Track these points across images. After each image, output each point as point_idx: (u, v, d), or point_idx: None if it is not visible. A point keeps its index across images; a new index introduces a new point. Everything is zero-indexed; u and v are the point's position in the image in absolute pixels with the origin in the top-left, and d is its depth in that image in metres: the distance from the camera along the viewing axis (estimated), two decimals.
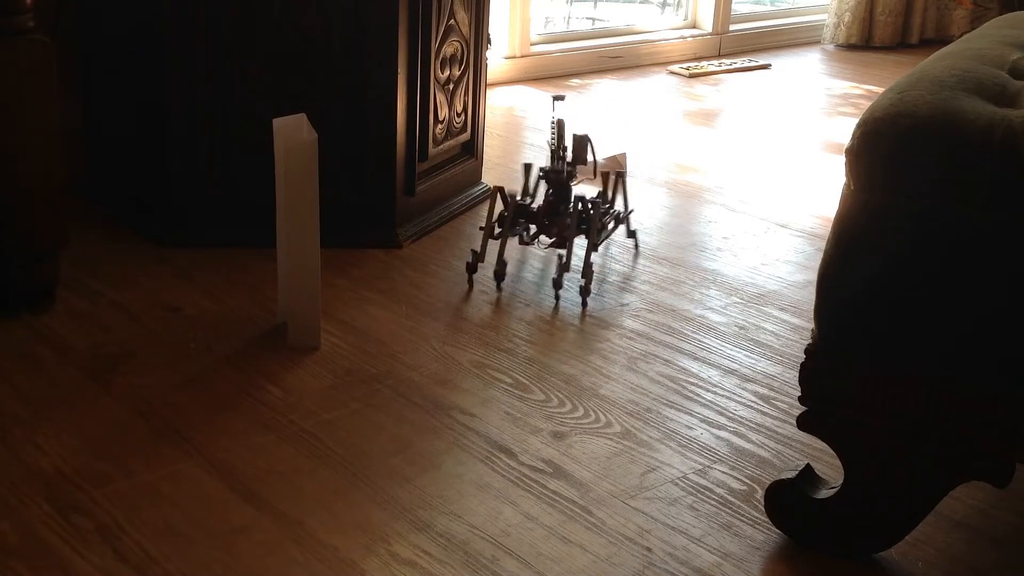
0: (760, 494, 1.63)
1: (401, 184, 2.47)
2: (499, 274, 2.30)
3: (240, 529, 1.51)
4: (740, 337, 2.15)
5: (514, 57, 4.01)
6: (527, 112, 3.64)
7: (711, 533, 1.56)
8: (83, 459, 1.65)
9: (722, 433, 1.82)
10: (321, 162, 2.42)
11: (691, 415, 1.86)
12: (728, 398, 1.92)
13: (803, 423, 1.49)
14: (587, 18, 4.91)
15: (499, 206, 2.34)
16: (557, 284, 2.25)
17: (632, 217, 2.60)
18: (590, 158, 2.38)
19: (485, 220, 2.33)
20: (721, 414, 1.87)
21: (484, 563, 1.47)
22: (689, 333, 2.15)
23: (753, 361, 2.06)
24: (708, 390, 1.95)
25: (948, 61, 1.53)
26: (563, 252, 2.30)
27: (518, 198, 2.34)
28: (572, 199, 2.34)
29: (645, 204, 2.84)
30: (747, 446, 1.78)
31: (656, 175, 3.07)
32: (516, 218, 2.33)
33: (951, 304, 1.37)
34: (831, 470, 1.62)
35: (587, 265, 2.25)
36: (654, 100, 3.87)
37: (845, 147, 1.42)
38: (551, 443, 1.76)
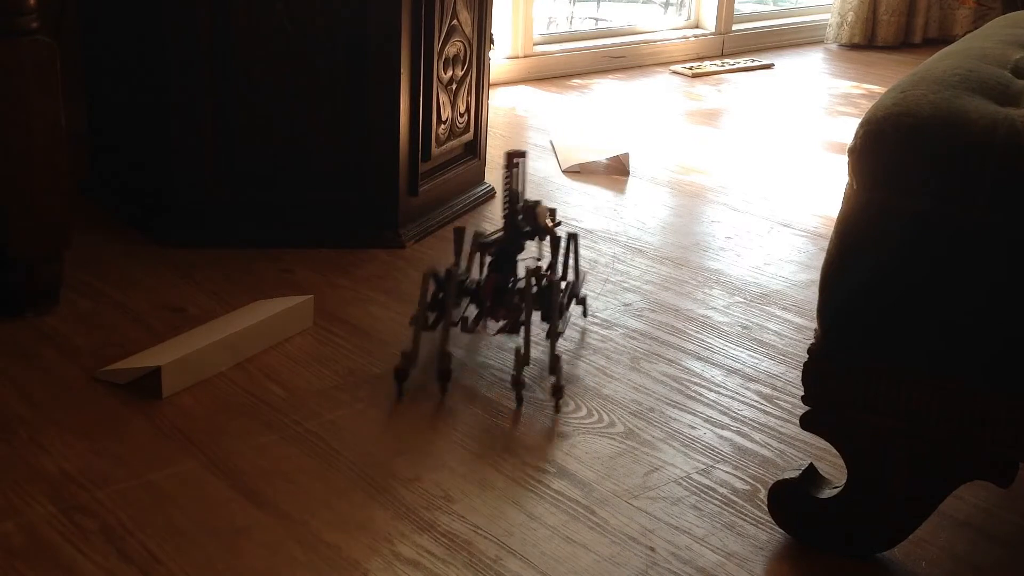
0: (763, 494, 1.63)
1: (404, 184, 2.47)
2: (444, 373, 1.86)
3: (243, 529, 1.52)
4: (743, 337, 2.15)
5: (517, 57, 4.01)
6: (530, 112, 3.64)
7: (714, 533, 1.56)
8: (87, 459, 1.65)
9: (725, 433, 1.82)
10: (323, 162, 2.44)
11: (694, 415, 1.86)
12: (731, 398, 1.92)
13: (806, 423, 1.49)
14: (590, 18, 4.91)
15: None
16: (517, 383, 1.85)
17: (586, 279, 2.30)
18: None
19: (416, 310, 1.88)
20: (724, 414, 1.87)
21: (487, 563, 1.47)
22: (692, 333, 2.15)
23: (756, 361, 2.06)
24: (711, 390, 1.95)
25: (951, 60, 1.53)
26: (520, 339, 1.89)
27: (458, 268, 1.94)
28: (519, 272, 1.96)
29: (648, 204, 2.84)
30: (750, 446, 1.78)
31: (659, 175, 3.07)
32: (457, 300, 1.92)
33: (954, 304, 1.37)
34: (834, 470, 1.62)
35: (554, 359, 1.85)
36: (657, 100, 3.87)
37: (848, 147, 1.42)
38: (554, 443, 1.76)
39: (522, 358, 1.84)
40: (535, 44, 4.08)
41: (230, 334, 1.93)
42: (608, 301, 2.26)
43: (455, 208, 2.67)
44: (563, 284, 1.99)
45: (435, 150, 2.56)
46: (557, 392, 1.85)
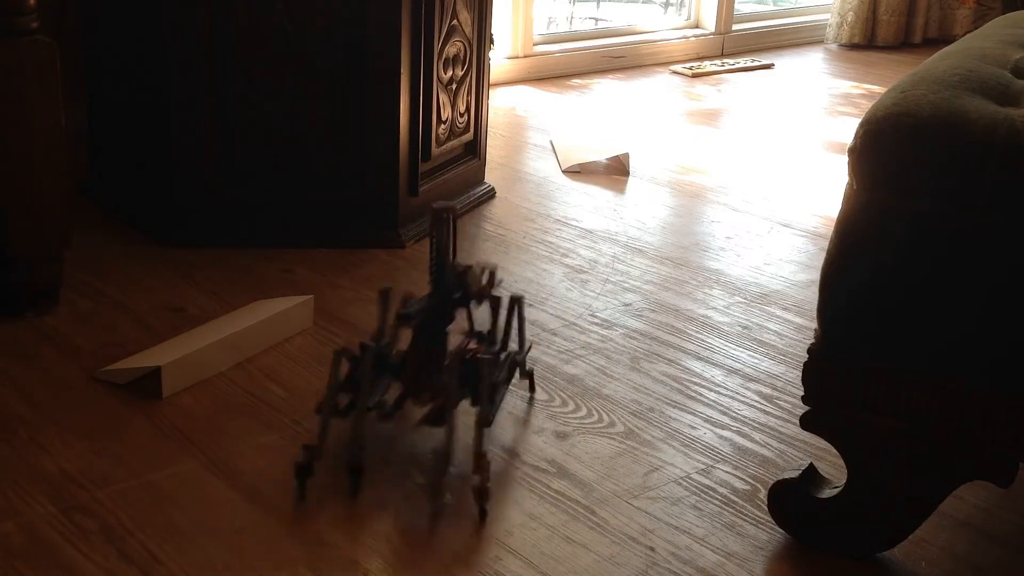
0: (763, 494, 1.63)
1: (404, 184, 2.47)
2: (355, 467, 1.58)
3: (243, 529, 1.52)
4: (743, 337, 2.15)
5: (517, 57, 4.01)
6: (530, 112, 3.64)
7: (714, 533, 1.56)
8: (87, 459, 1.65)
9: (725, 433, 1.82)
10: (323, 162, 2.44)
11: (694, 415, 1.86)
12: (731, 398, 1.93)
13: (806, 423, 1.49)
14: (590, 18, 4.91)
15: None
16: (434, 492, 1.54)
17: (531, 353, 1.96)
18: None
19: (324, 395, 1.59)
20: (724, 414, 1.87)
21: (487, 563, 1.47)
22: (692, 333, 2.15)
23: (756, 361, 2.06)
24: (711, 390, 1.95)
25: (951, 60, 1.53)
26: (443, 433, 1.57)
27: (381, 338, 1.67)
28: (448, 346, 1.67)
29: (648, 204, 2.84)
30: (750, 446, 1.78)
31: (659, 175, 3.07)
32: (375, 379, 1.63)
33: (954, 304, 1.37)
34: (834, 470, 1.62)
35: (478, 456, 1.54)
36: (657, 100, 3.87)
37: (848, 147, 1.42)
38: (554, 443, 1.76)
39: (442, 459, 1.53)
40: (535, 44, 4.08)
41: (230, 334, 1.93)
42: (608, 301, 2.26)
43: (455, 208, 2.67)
44: (503, 357, 1.73)
45: (435, 150, 2.56)
46: (482, 496, 1.53)
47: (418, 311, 1.64)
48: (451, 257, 1.66)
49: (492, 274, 1.71)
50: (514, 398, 1.87)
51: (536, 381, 1.92)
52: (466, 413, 1.65)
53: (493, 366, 1.63)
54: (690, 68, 4.28)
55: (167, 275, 2.27)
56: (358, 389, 1.58)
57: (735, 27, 4.64)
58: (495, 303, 1.73)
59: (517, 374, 1.82)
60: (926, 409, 1.41)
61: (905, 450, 1.44)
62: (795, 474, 1.54)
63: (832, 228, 1.46)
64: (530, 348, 1.90)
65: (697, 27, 4.60)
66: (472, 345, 1.68)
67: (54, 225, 2.04)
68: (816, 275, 1.54)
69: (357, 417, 1.57)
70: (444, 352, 1.65)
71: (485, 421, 1.58)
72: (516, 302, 1.82)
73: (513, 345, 1.83)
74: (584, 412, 1.85)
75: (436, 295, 1.65)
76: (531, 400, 1.86)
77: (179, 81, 2.33)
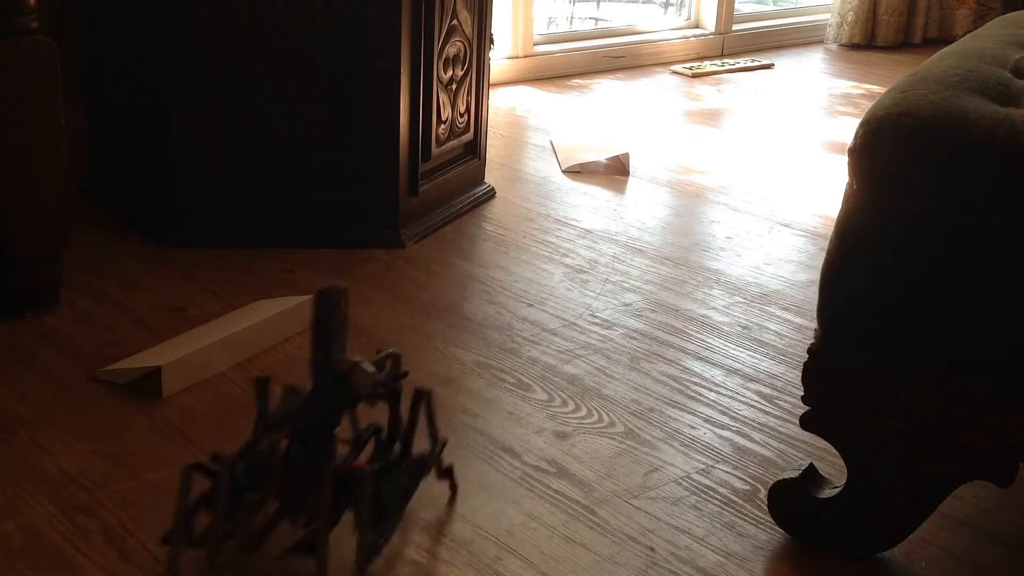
0: (763, 494, 1.63)
1: (404, 184, 2.47)
2: None
3: None
4: (743, 337, 2.15)
5: (517, 57, 4.01)
6: (530, 112, 3.64)
7: (714, 533, 1.56)
8: (87, 459, 1.65)
9: (725, 433, 1.82)
10: (323, 162, 2.44)
11: (694, 415, 1.86)
12: (731, 398, 1.93)
13: (806, 423, 1.49)
14: (590, 18, 4.91)
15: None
16: None
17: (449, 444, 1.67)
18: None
19: (173, 521, 1.35)
20: (724, 414, 1.87)
21: (487, 563, 1.47)
22: (692, 333, 2.15)
23: (756, 361, 2.06)
24: (711, 390, 1.95)
25: (951, 60, 1.53)
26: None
27: (254, 444, 1.39)
28: (334, 455, 1.37)
29: (648, 204, 2.84)
30: (750, 446, 1.78)
31: (659, 175, 3.07)
32: (239, 497, 1.35)
33: (954, 304, 1.37)
34: (834, 470, 1.62)
35: None
36: (657, 100, 3.87)
37: (848, 147, 1.42)
38: (554, 443, 1.76)
39: None
40: (535, 44, 4.08)
41: (230, 334, 1.93)
42: (608, 301, 2.26)
43: (456, 208, 2.67)
44: (404, 464, 1.47)
45: (435, 150, 2.56)
46: None
47: (293, 414, 1.35)
48: (340, 347, 1.34)
49: (396, 362, 1.43)
50: (514, 398, 1.87)
51: (534, 380, 1.92)
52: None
53: (371, 481, 1.34)
54: (690, 68, 4.28)
55: (167, 275, 2.27)
56: (215, 512, 1.31)
57: (735, 27, 4.64)
58: (395, 400, 1.44)
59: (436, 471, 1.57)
60: (926, 409, 1.41)
61: (905, 450, 1.44)
62: (795, 474, 1.54)
63: (832, 228, 1.46)
64: (445, 444, 1.57)
65: (697, 27, 4.60)
66: (350, 461, 1.41)
67: (54, 225, 2.04)
68: (816, 275, 1.54)
69: (212, 547, 1.33)
70: (326, 463, 1.34)
71: (368, 551, 1.32)
72: (422, 398, 1.48)
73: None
74: (584, 412, 1.85)
75: (318, 395, 1.34)
76: (451, 500, 1.58)
77: (179, 81, 2.33)
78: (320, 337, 1.32)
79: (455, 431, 1.77)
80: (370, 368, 1.35)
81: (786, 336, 2.16)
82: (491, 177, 2.88)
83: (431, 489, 1.61)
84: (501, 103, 3.69)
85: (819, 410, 1.48)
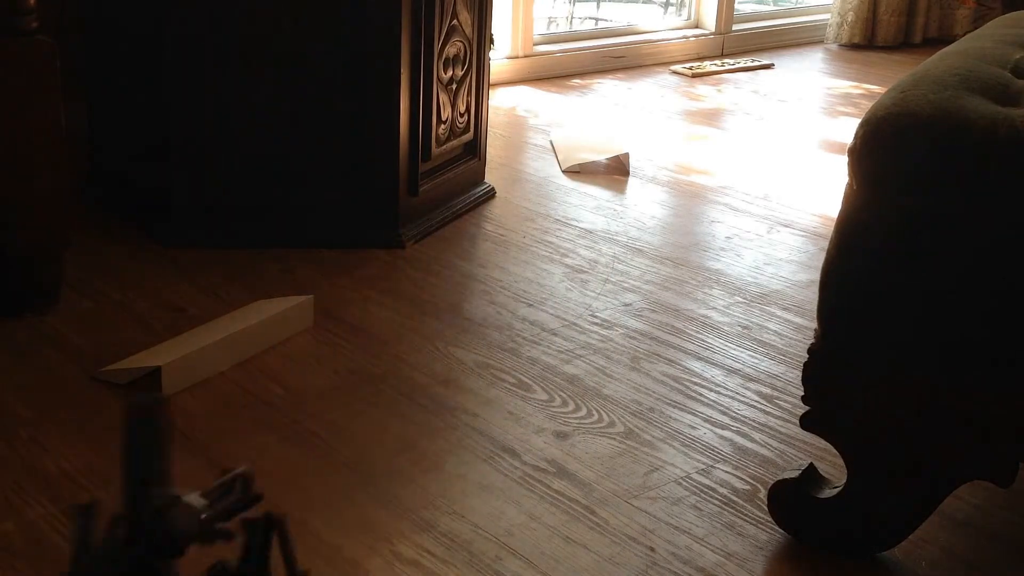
0: (763, 494, 1.63)
1: (404, 184, 2.47)
2: None
3: None
4: (743, 337, 2.15)
5: (517, 57, 4.01)
6: (530, 112, 3.64)
7: (714, 533, 1.56)
8: (87, 459, 1.65)
9: (725, 433, 1.82)
10: (324, 162, 2.44)
11: (694, 415, 1.86)
12: (731, 398, 1.93)
13: (806, 423, 1.49)
14: (590, 18, 4.91)
15: None
16: None
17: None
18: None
19: None
20: (724, 414, 1.87)
21: (487, 563, 1.47)
22: (692, 333, 2.15)
23: (756, 361, 2.06)
24: (711, 390, 1.95)
25: (950, 60, 1.53)
26: None
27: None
28: None
29: (648, 204, 2.84)
30: (750, 446, 1.78)
31: (659, 175, 3.07)
32: None
33: (953, 304, 1.37)
34: (834, 469, 1.62)
35: None
36: (657, 100, 3.87)
37: (848, 147, 1.42)
38: (554, 443, 1.76)
39: None
40: (535, 44, 4.08)
41: (230, 334, 1.93)
42: (608, 301, 2.26)
43: (455, 208, 2.67)
44: None
45: (435, 150, 2.56)
46: None
47: (104, 562, 1.02)
48: (159, 477, 1.03)
49: (247, 485, 1.08)
50: (514, 398, 1.87)
51: (533, 380, 1.92)
52: None
53: None
54: (690, 68, 4.28)
55: (167, 275, 2.27)
56: None
57: (735, 27, 4.64)
58: (250, 532, 1.09)
59: None
60: (925, 409, 1.41)
61: (904, 450, 1.44)
62: (795, 474, 1.54)
63: (832, 228, 1.46)
64: None
65: (697, 27, 4.60)
66: None
67: (54, 225, 2.04)
68: (816, 275, 1.54)
69: None
70: None
71: None
72: (274, 526, 1.09)
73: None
74: (584, 412, 1.85)
75: (133, 540, 1.02)
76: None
77: (179, 81, 2.33)
78: (131, 465, 0.99)
79: (455, 431, 1.77)
80: (197, 502, 1.03)
81: (786, 336, 2.16)
82: (491, 177, 2.88)
83: (431, 488, 1.62)
84: (501, 103, 3.68)
85: (819, 410, 1.48)
